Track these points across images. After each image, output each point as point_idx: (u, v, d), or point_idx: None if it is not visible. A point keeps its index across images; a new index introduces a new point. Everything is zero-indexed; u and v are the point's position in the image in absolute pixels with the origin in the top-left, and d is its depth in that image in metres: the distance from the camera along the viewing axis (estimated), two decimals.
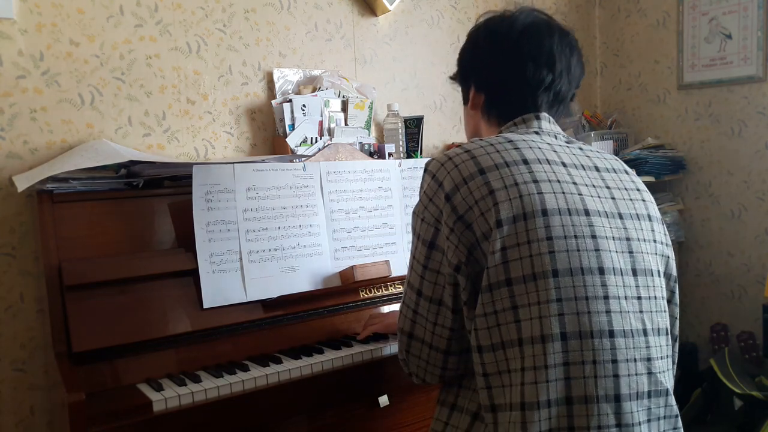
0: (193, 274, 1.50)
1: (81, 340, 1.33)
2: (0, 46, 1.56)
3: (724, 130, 2.74)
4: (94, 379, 1.32)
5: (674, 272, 1.14)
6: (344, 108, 2.03)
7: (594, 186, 1.07)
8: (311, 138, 1.96)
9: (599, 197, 1.06)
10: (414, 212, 1.11)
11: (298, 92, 2.00)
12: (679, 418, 1.06)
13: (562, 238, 0.98)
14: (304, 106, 1.94)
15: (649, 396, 0.99)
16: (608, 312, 0.97)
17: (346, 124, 2.03)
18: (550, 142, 1.11)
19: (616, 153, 2.78)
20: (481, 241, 0.99)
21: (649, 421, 0.98)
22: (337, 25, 2.17)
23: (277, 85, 1.99)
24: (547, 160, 1.06)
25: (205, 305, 1.48)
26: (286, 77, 2.01)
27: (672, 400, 1.04)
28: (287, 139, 1.91)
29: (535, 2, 2.80)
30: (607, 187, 1.09)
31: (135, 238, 1.52)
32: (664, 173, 2.74)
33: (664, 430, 1.01)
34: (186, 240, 1.53)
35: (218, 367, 1.43)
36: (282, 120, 1.94)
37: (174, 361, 1.42)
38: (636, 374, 0.98)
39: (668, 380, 1.04)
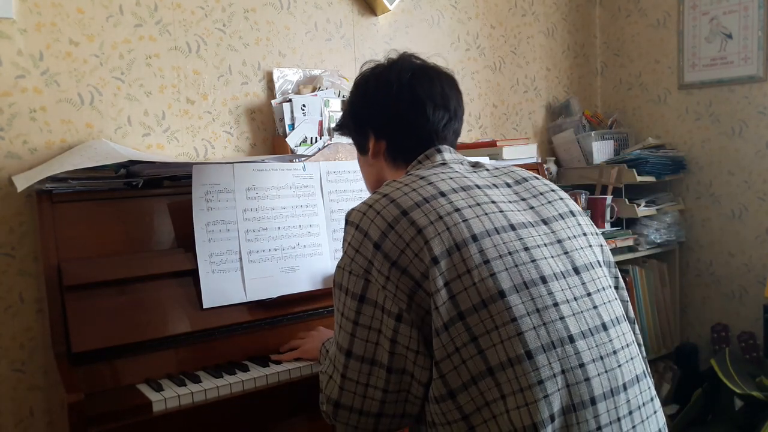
0: (193, 274, 1.50)
1: (80, 340, 1.33)
2: None
3: (724, 130, 2.74)
4: (93, 380, 1.32)
5: (611, 258, 1.16)
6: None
7: (512, 201, 1.09)
8: (311, 138, 1.95)
9: (520, 210, 1.08)
10: (339, 267, 1.06)
11: (298, 92, 1.99)
12: (657, 398, 1.06)
13: (498, 258, 0.98)
14: (304, 105, 1.94)
15: (625, 388, 0.99)
16: (562, 318, 0.97)
17: None
18: (458, 170, 1.12)
19: (617, 153, 2.78)
20: (422, 282, 0.97)
21: (630, 413, 0.99)
22: (337, 24, 2.16)
23: (276, 85, 1.98)
24: (461, 187, 1.06)
25: (205, 305, 1.48)
26: (285, 77, 2.00)
27: (647, 383, 1.05)
28: (287, 139, 1.91)
29: (536, 2, 2.80)
30: (523, 199, 1.11)
31: (134, 238, 1.52)
32: (665, 173, 2.74)
33: (647, 416, 1.01)
34: (185, 240, 1.53)
35: (218, 367, 1.42)
36: (282, 120, 1.94)
37: (174, 362, 1.42)
38: (606, 371, 0.98)
39: (639, 365, 1.04)
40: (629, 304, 1.15)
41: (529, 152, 2.29)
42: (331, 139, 1.98)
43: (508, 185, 1.13)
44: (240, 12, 1.94)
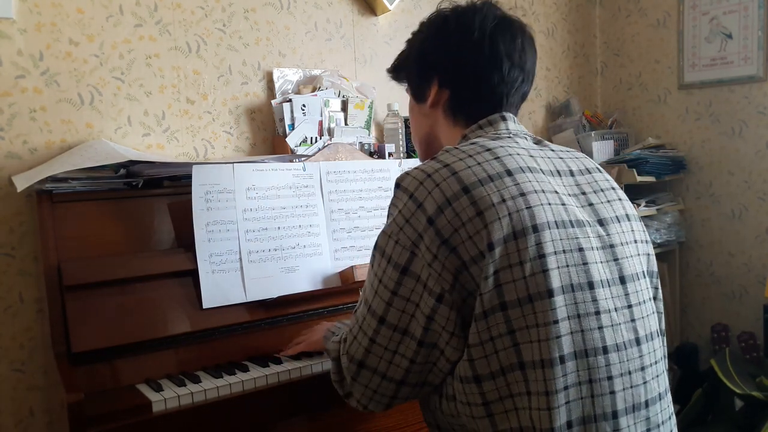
0: (193, 274, 1.49)
1: (80, 340, 1.33)
2: None
3: (724, 130, 2.74)
4: (93, 380, 1.32)
5: (655, 267, 1.12)
6: (344, 108, 2.03)
7: (573, 194, 1.03)
8: (311, 138, 1.95)
9: (580, 206, 1.02)
10: (384, 232, 1.00)
11: (298, 92, 1.99)
12: (674, 415, 1.05)
13: (553, 254, 0.93)
14: (303, 105, 1.94)
15: (647, 405, 0.97)
16: (600, 328, 0.95)
17: (346, 124, 2.03)
18: (524, 146, 1.05)
19: (617, 153, 2.78)
20: (470, 266, 0.92)
21: (648, 430, 0.97)
22: (337, 24, 2.16)
23: (276, 85, 1.98)
24: (528, 167, 1.00)
25: (205, 305, 1.48)
26: (285, 77, 2.00)
27: (667, 401, 1.03)
28: (287, 139, 1.91)
29: (536, 2, 2.80)
30: (583, 193, 1.05)
31: (134, 238, 1.52)
32: (665, 173, 2.74)
33: None
34: (185, 240, 1.53)
35: (218, 367, 1.42)
36: (282, 120, 1.93)
37: (173, 362, 1.42)
38: (632, 386, 0.96)
39: (663, 383, 1.02)
40: (663, 315, 1.12)
41: None
42: (331, 139, 1.98)
43: (572, 173, 1.06)
44: (240, 12, 1.94)
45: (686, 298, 2.93)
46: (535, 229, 0.93)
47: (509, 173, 0.97)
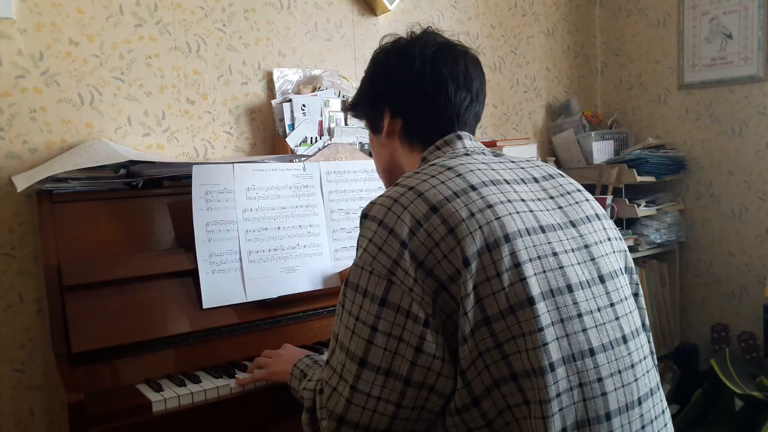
0: (193, 274, 1.49)
1: (80, 340, 1.33)
2: None
3: (724, 130, 2.74)
4: (93, 380, 1.32)
5: (632, 264, 1.11)
6: (344, 108, 2.03)
7: (540, 199, 1.03)
8: (311, 138, 1.95)
9: (548, 210, 1.02)
10: (357, 265, 0.97)
11: (298, 92, 1.99)
12: (667, 409, 1.04)
13: (528, 261, 0.93)
14: (304, 105, 1.94)
15: (640, 402, 0.97)
16: (585, 330, 0.94)
17: (346, 124, 2.03)
18: (484, 161, 1.05)
19: (617, 153, 2.78)
20: (448, 285, 0.91)
21: (643, 427, 0.96)
22: (337, 24, 2.16)
23: (276, 85, 1.98)
24: (491, 181, 1.00)
25: (205, 305, 1.48)
26: (285, 77, 2.00)
27: (660, 395, 1.02)
28: (287, 139, 1.91)
29: (536, 2, 2.80)
30: (551, 197, 1.05)
31: (134, 238, 1.52)
32: (665, 173, 2.74)
33: (659, 429, 0.99)
34: (185, 240, 1.53)
35: (218, 367, 1.42)
36: (282, 120, 1.94)
37: (173, 362, 1.42)
38: (623, 385, 0.95)
39: (653, 378, 1.02)
40: (645, 311, 1.11)
41: (529, 152, 2.29)
42: (331, 139, 1.98)
43: (536, 180, 1.07)
44: (240, 12, 1.94)
45: (686, 298, 2.93)
46: (507, 238, 0.93)
47: (473, 188, 0.97)
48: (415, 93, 1.13)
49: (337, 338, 0.99)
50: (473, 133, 1.17)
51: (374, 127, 1.22)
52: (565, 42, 2.96)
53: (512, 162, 1.09)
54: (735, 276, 2.77)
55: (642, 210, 2.64)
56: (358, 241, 1.01)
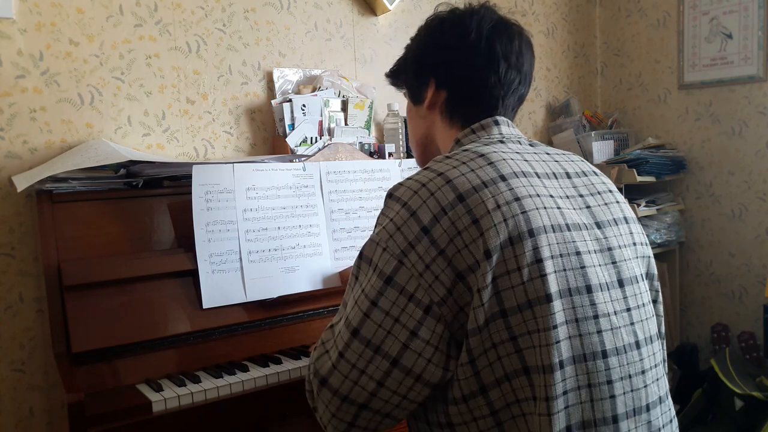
0: (193, 274, 1.49)
1: (80, 340, 1.33)
2: None
3: (724, 130, 2.74)
4: (93, 380, 1.32)
5: (655, 270, 1.11)
6: (344, 108, 2.03)
7: (569, 197, 1.02)
8: (311, 138, 1.95)
9: (575, 208, 1.01)
10: (372, 240, 0.97)
11: (298, 92, 1.99)
12: (675, 419, 1.04)
13: (550, 258, 0.92)
14: (304, 105, 1.94)
15: (648, 409, 0.96)
16: (599, 332, 0.94)
17: (346, 124, 2.03)
18: (518, 150, 1.04)
19: (617, 153, 2.78)
20: (466, 275, 0.91)
21: None
22: (337, 24, 2.16)
23: (276, 85, 1.98)
24: (522, 172, 0.99)
25: (205, 305, 1.48)
26: (285, 77, 2.00)
27: (668, 404, 1.02)
28: (287, 139, 1.91)
29: (536, 2, 2.80)
30: (581, 195, 1.04)
31: (134, 238, 1.52)
32: (665, 173, 2.74)
33: None
34: (185, 240, 1.53)
35: (218, 367, 1.42)
36: (282, 120, 1.94)
37: (173, 362, 1.42)
38: (632, 390, 0.95)
39: (663, 386, 1.02)
40: (663, 318, 1.11)
41: None
42: (331, 139, 1.98)
43: (568, 176, 1.05)
44: (240, 12, 1.94)
45: (686, 298, 2.93)
46: (531, 233, 0.92)
47: (503, 178, 0.96)
48: (467, 67, 1.10)
49: (345, 305, 1.00)
50: (513, 117, 1.16)
51: (415, 98, 1.19)
52: (565, 42, 2.96)
53: (547, 154, 1.08)
54: (735, 276, 2.77)
55: (642, 210, 2.64)
56: (378, 218, 1.00)
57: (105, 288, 1.40)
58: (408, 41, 1.22)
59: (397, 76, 1.24)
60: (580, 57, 3.04)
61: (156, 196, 1.57)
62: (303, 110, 1.94)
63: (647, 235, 2.65)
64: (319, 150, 1.88)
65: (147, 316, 1.41)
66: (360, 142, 2.03)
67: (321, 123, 1.98)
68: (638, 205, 2.63)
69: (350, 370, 0.94)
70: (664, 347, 1.08)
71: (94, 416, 1.17)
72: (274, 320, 1.56)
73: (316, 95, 1.97)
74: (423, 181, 0.97)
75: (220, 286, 1.51)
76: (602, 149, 2.74)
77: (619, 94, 3.07)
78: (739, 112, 2.69)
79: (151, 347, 1.40)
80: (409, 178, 1.00)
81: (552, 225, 0.95)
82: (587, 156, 2.73)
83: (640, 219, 2.68)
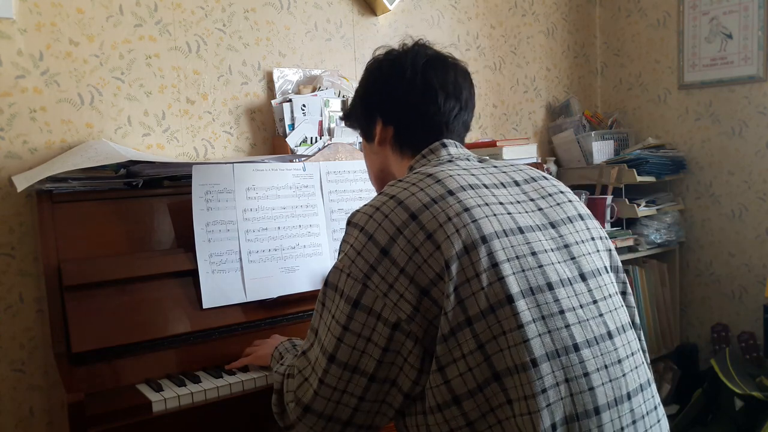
0: (193, 274, 1.50)
1: (80, 340, 1.33)
2: None
3: (724, 130, 2.74)
4: (93, 380, 1.32)
5: (619, 263, 1.14)
6: (344, 108, 2.03)
7: (519, 202, 1.06)
8: (311, 138, 1.95)
9: (527, 212, 1.05)
10: (336, 267, 1.02)
11: (298, 92, 1.99)
12: (661, 406, 1.05)
13: (506, 261, 0.95)
14: (304, 105, 1.94)
15: (629, 397, 0.97)
16: (567, 326, 0.95)
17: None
18: (465, 167, 1.09)
19: (617, 153, 2.78)
20: (430, 289, 0.94)
21: (634, 422, 0.97)
22: (337, 24, 2.16)
23: (276, 85, 1.98)
24: (470, 185, 1.03)
25: (205, 305, 1.48)
26: (285, 77, 2.00)
27: (651, 391, 1.03)
28: (287, 139, 1.91)
29: (536, 2, 2.80)
30: (531, 200, 1.08)
31: (134, 238, 1.52)
32: (665, 173, 2.74)
33: (651, 425, 1.00)
34: (185, 240, 1.53)
35: (218, 367, 1.42)
36: (282, 120, 1.94)
37: (173, 362, 1.42)
38: (611, 380, 0.96)
39: (643, 374, 1.03)
40: (635, 310, 1.13)
41: (529, 152, 2.29)
42: (331, 139, 1.98)
43: (517, 183, 1.10)
44: (240, 12, 1.94)
45: (686, 298, 2.93)
46: (484, 240, 0.96)
47: (451, 193, 1.01)
48: (406, 101, 1.17)
49: (316, 332, 1.05)
50: (463, 140, 1.22)
51: (367, 136, 1.26)
52: (565, 42, 2.96)
53: (494, 167, 1.13)
54: (735, 276, 2.77)
55: (642, 210, 2.64)
56: (340, 246, 1.06)
57: (105, 288, 1.40)
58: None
59: (349, 117, 1.32)
60: (580, 57, 3.04)
61: (156, 196, 1.57)
62: (303, 110, 1.94)
63: (647, 236, 2.66)
64: (319, 150, 1.88)
65: (147, 316, 1.41)
66: (360, 142, 2.03)
67: (321, 123, 1.98)
68: (638, 205, 2.63)
69: (332, 393, 1.00)
70: (642, 337, 1.11)
71: (94, 416, 1.17)
72: (274, 320, 1.56)
73: (316, 95, 1.97)
74: (377, 205, 1.02)
75: (220, 286, 1.51)
76: (602, 149, 2.74)
77: (619, 94, 3.07)
78: (739, 112, 2.69)
79: (151, 347, 1.40)
80: (365, 205, 1.06)
81: (504, 230, 0.99)
82: (587, 156, 2.73)
83: (640, 219, 2.69)
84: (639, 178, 2.60)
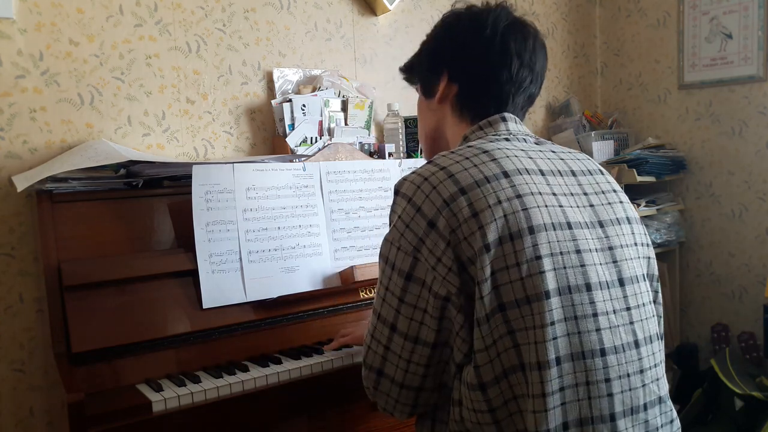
0: (193, 274, 1.49)
1: (80, 340, 1.33)
2: None
3: (724, 130, 2.74)
4: (93, 380, 1.32)
5: (656, 271, 1.12)
6: (344, 108, 2.03)
7: (572, 194, 1.03)
8: (311, 138, 1.95)
9: (578, 206, 1.02)
10: (386, 239, 1.02)
11: (298, 92, 1.99)
12: (677, 420, 1.04)
13: (549, 256, 0.94)
14: (304, 105, 1.94)
15: (645, 408, 0.97)
16: (598, 330, 0.94)
17: (346, 124, 2.03)
18: (523, 148, 1.06)
19: (617, 153, 2.78)
20: (468, 266, 0.93)
21: None
22: (337, 24, 2.16)
23: (276, 85, 1.98)
24: (526, 169, 1.00)
25: (205, 305, 1.48)
26: (285, 77, 2.00)
27: (668, 405, 1.02)
28: (287, 139, 1.91)
29: (536, 2, 2.80)
30: (585, 194, 1.05)
31: (134, 238, 1.52)
32: (665, 173, 2.74)
33: None
34: (185, 240, 1.53)
35: (218, 367, 1.42)
36: (282, 120, 1.94)
37: (173, 362, 1.42)
38: (630, 389, 0.95)
39: (662, 386, 1.02)
40: (662, 319, 1.11)
41: None
42: (331, 139, 1.98)
43: (573, 174, 1.06)
44: (240, 12, 1.94)
45: (686, 298, 2.93)
46: (531, 230, 0.94)
47: (506, 175, 0.98)
48: (480, 61, 1.12)
49: (375, 301, 1.06)
50: (523, 116, 1.17)
51: (427, 91, 1.21)
52: (565, 42, 2.96)
53: (553, 152, 1.09)
54: (735, 276, 2.77)
55: (642, 210, 2.64)
56: (390, 215, 1.04)
57: (105, 288, 1.40)
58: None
59: (411, 70, 1.27)
60: (580, 57, 3.04)
61: (156, 196, 1.57)
62: (303, 110, 1.94)
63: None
64: (319, 150, 1.88)
65: (147, 316, 1.41)
66: (360, 142, 2.03)
67: (321, 123, 1.98)
68: (638, 205, 2.63)
69: (398, 360, 1.02)
70: (662, 347, 1.08)
71: (94, 416, 1.17)
72: (274, 320, 1.56)
73: (316, 95, 1.97)
74: (425, 175, 0.99)
75: (220, 286, 1.51)
76: (602, 149, 2.74)
77: (619, 94, 3.07)
78: (739, 112, 2.69)
79: (151, 347, 1.40)
80: (413, 172, 1.02)
81: (553, 223, 0.96)
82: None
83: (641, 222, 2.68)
84: (639, 178, 2.60)
